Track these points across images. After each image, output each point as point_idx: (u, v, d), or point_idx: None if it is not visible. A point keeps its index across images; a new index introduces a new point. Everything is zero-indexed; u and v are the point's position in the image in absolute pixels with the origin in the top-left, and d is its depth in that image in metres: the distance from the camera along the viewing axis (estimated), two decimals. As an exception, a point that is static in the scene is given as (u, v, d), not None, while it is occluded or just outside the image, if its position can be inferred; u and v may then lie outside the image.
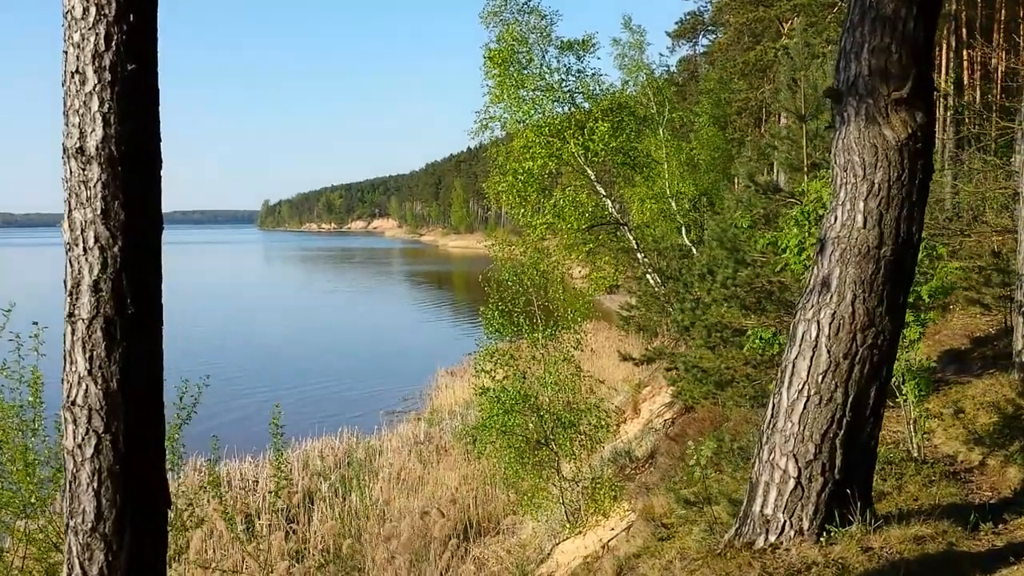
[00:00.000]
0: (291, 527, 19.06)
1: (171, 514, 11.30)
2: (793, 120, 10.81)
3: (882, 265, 5.76)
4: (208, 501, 19.81)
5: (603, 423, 17.72)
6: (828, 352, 5.76)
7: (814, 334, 5.84)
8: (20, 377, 9.66)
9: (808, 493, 5.73)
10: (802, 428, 5.78)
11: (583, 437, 17.65)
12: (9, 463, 9.03)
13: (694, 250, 22.28)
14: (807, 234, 8.44)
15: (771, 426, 5.96)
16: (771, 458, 5.90)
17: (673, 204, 22.96)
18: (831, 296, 5.81)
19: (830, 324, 5.78)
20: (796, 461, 5.77)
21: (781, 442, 5.85)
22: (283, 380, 40.47)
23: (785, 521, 5.76)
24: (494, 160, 19.77)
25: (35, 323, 9.86)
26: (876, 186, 5.76)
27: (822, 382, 5.76)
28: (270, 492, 10.40)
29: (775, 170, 19.84)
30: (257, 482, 22.16)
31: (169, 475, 11.47)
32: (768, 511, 5.85)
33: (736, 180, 26.93)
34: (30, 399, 9.54)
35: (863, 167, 5.79)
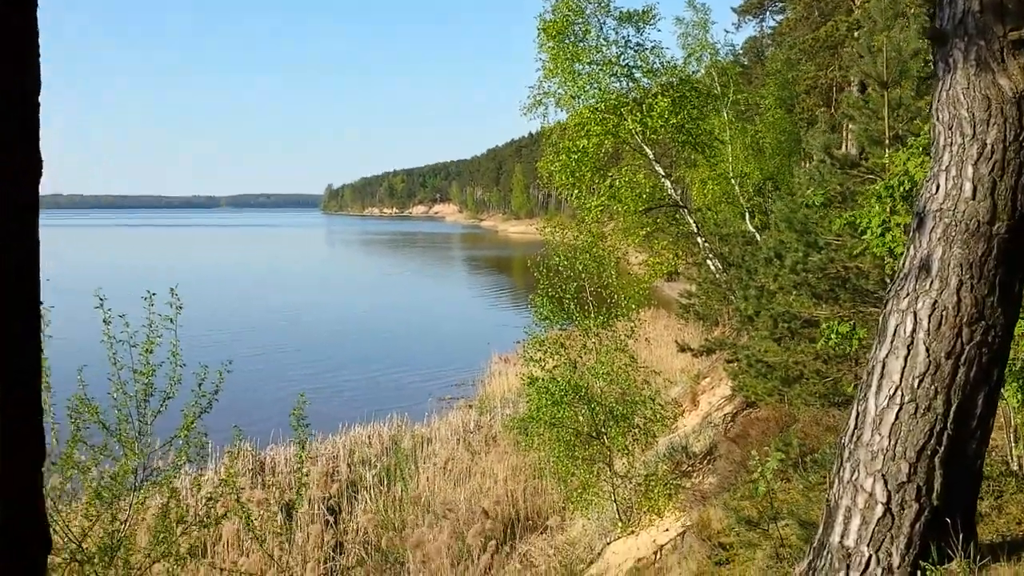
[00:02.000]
0: (332, 518, 18.41)
1: (192, 510, 10.63)
2: (873, 87, 9.62)
3: (994, 244, 4.67)
4: (246, 491, 19.28)
5: (658, 416, 16.67)
6: (927, 350, 4.69)
7: (909, 328, 4.77)
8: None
9: (899, 522, 4.68)
10: (893, 443, 4.72)
11: (637, 431, 16.61)
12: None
13: (758, 236, 21.06)
14: (891, 212, 7.32)
15: (854, 439, 4.90)
16: (854, 478, 4.85)
17: (736, 188, 21.68)
18: (931, 282, 4.74)
19: (929, 316, 4.71)
20: (885, 483, 4.71)
21: (867, 459, 4.80)
22: (338, 363, 40.33)
23: (870, 556, 4.72)
24: (548, 138, 18.74)
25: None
26: (989, 148, 4.67)
27: (919, 387, 4.69)
28: (292, 486, 9.59)
29: (845, 145, 18.43)
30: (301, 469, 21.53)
31: (187, 467, 10.79)
32: (849, 542, 4.81)
33: (803, 161, 25.52)
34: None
35: (972, 124, 4.70)
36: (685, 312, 33.64)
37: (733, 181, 21.53)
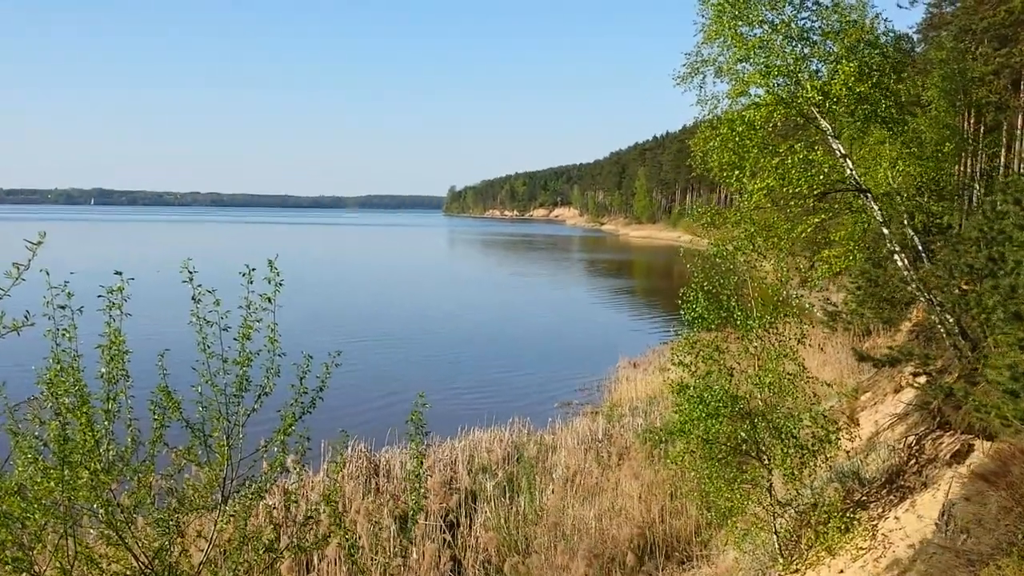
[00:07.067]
0: (450, 534, 16.55)
1: (286, 527, 8.91)
2: None
3: None
4: (355, 500, 17.66)
5: (830, 436, 14.04)
6: None
7: None
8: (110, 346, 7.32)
9: None
10: None
11: (805, 452, 14.02)
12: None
13: (916, 239, 18.25)
14: None
15: None
16: None
17: (893, 185, 18.80)
18: None
19: None
20: None
21: None
22: (459, 362, 39.47)
23: None
24: (710, 117, 16.25)
25: (118, 272, 7.52)
26: None
27: None
28: (406, 493, 7.94)
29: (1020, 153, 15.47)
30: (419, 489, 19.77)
31: (281, 477, 8.97)
32: None
33: (962, 162, 22.26)
34: (103, 369, 7.18)
35: None
36: (831, 321, 30.62)
37: (890, 178, 18.71)
